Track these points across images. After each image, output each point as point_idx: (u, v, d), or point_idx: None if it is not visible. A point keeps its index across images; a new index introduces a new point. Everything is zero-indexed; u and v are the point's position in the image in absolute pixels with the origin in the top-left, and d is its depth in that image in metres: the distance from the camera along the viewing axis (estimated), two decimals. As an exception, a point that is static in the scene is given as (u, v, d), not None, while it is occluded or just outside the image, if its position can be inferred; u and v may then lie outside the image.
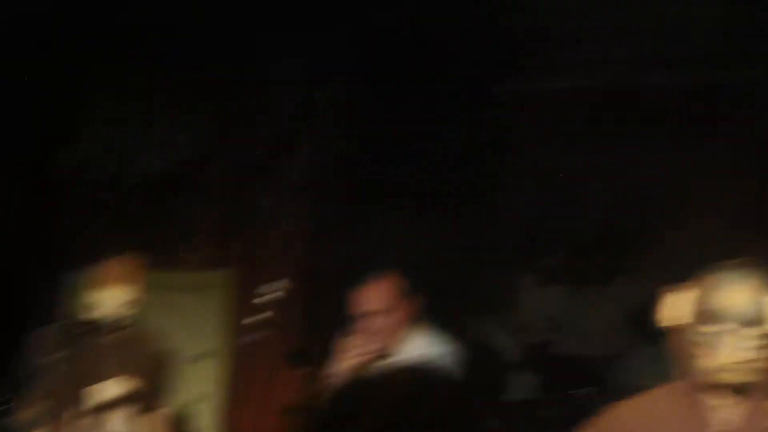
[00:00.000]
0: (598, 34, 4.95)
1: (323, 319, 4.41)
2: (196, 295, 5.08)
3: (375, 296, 3.33)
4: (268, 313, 3.07)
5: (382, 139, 4.92)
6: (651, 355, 6.03)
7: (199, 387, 4.66)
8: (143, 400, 4.19)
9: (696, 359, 2.25)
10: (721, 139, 5.13)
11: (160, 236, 5.29)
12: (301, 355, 4.08)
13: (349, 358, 3.32)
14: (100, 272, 3.99)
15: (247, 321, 2.83)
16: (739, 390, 2.24)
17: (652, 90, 5.37)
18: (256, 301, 2.88)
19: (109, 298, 3.90)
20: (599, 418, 2.47)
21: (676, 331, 2.31)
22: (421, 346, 3.38)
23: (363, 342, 3.39)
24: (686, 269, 2.34)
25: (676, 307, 2.32)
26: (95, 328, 3.81)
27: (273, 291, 2.89)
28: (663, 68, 5.22)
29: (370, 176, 4.97)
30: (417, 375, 1.41)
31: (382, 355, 3.36)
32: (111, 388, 4.08)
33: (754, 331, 2.18)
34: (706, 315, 2.23)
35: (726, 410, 2.27)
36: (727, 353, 2.19)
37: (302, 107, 4.98)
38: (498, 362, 5.88)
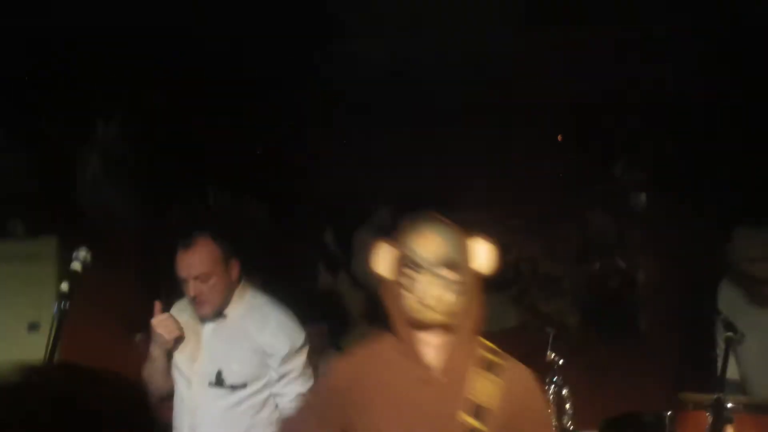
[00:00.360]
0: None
1: (148, 285, 4.47)
2: (20, 264, 4.97)
3: (194, 261, 3.39)
4: (88, 281, 3.05)
5: (197, 110, 4.94)
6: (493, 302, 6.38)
7: (27, 357, 4.59)
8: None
9: (401, 302, 2.42)
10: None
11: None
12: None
13: (166, 324, 3.41)
14: None
15: (68, 289, 2.79)
16: (442, 330, 2.44)
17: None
18: (72, 268, 2.85)
19: None
20: (325, 374, 2.71)
21: (385, 276, 2.49)
22: (246, 306, 3.51)
23: (184, 306, 3.50)
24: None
25: (383, 255, 2.48)
26: None
27: (83, 258, 2.87)
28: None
29: (190, 146, 5.00)
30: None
31: (206, 317, 3.46)
32: None
33: (450, 275, 2.37)
34: (407, 260, 2.39)
35: (431, 351, 2.46)
36: (426, 295, 2.37)
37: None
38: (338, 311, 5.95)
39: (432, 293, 2.37)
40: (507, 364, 2.48)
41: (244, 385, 3.37)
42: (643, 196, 5.38)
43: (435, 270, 2.37)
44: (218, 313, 3.46)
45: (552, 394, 3.50)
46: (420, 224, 2.45)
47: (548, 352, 3.53)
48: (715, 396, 3.05)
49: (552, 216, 5.44)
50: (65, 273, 2.88)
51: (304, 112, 5.22)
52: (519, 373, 2.51)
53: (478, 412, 2.37)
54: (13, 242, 5.34)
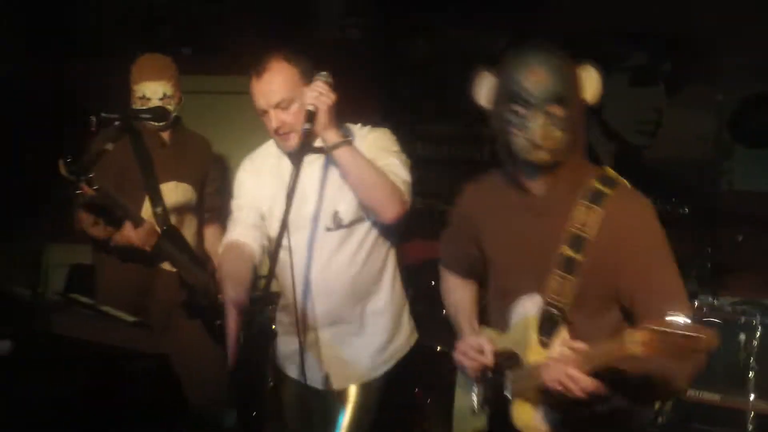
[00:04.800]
0: None
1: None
2: (238, 99, 5.11)
3: (270, 88, 3.00)
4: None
5: None
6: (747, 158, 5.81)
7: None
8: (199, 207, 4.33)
9: (508, 138, 2.34)
10: None
11: (204, 40, 5.33)
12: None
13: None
14: (140, 65, 4.10)
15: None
16: (548, 167, 2.36)
17: None
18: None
19: (151, 91, 4.00)
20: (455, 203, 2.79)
21: (491, 111, 2.41)
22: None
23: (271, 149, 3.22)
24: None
25: (485, 86, 2.38)
26: (150, 118, 3.93)
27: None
28: None
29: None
30: None
31: (293, 150, 3.01)
32: (173, 193, 4.22)
33: (559, 112, 2.26)
34: (514, 96, 2.27)
35: (538, 183, 2.41)
36: (535, 135, 2.26)
37: None
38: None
39: (541, 132, 2.26)
40: (615, 194, 2.37)
41: (361, 219, 3.03)
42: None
43: (544, 107, 2.26)
44: (309, 146, 2.96)
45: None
46: (527, 55, 2.31)
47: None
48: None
49: None
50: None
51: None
52: (626, 203, 2.39)
53: (576, 242, 2.30)
54: (233, 77, 5.49)
